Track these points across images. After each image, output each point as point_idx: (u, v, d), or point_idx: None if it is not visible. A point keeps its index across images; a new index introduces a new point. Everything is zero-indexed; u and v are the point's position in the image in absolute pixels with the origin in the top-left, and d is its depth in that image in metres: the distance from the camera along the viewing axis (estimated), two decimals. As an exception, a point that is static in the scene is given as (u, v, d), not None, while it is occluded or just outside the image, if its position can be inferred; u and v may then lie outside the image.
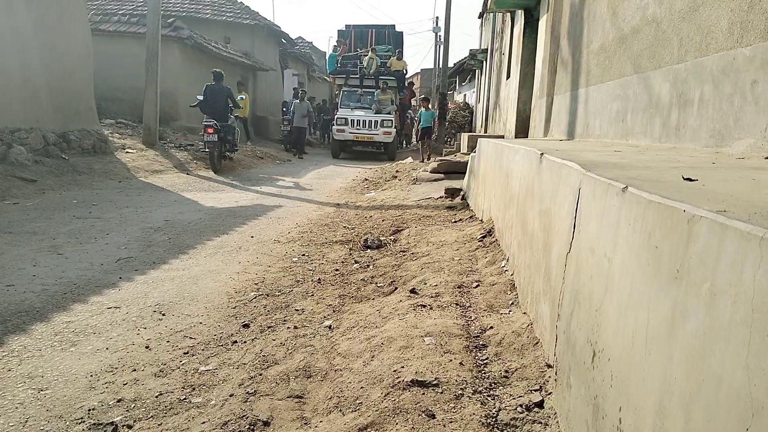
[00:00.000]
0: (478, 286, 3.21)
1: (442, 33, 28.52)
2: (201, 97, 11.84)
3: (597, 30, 5.23)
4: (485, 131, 17.18)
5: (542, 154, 2.74)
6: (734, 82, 2.78)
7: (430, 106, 17.00)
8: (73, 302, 3.77)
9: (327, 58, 22.60)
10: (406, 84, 22.24)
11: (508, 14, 12.01)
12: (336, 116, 18.57)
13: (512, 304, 2.86)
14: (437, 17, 37.01)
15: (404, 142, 25.53)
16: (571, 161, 2.18)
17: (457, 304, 2.94)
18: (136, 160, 11.39)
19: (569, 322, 1.86)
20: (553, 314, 2.09)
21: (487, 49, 18.55)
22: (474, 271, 3.59)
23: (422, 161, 14.08)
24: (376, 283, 3.84)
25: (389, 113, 18.56)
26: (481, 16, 21.02)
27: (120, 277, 4.35)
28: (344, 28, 23.72)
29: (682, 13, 3.44)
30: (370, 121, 18.03)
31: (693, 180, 1.59)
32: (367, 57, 20.66)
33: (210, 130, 11.36)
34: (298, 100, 18.01)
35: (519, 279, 2.98)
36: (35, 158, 8.98)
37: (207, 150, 11.59)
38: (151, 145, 12.67)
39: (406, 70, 21.35)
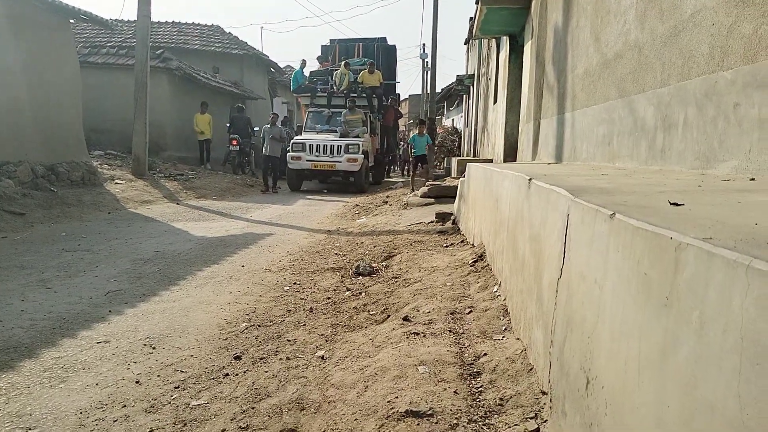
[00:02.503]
0: (471, 311, 3.20)
1: (429, 59, 28.96)
2: (229, 124, 17.15)
3: (581, 55, 5.32)
4: (474, 155, 17.32)
5: (530, 179, 2.76)
6: (717, 105, 2.82)
7: (424, 130, 14.35)
8: (62, 337, 3.72)
9: (291, 76, 18.78)
10: (385, 101, 18.56)
11: (494, 40, 12.20)
12: (292, 141, 15.23)
13: (505, 329, 2.86)
14: (424, 44, 37.55)
15: (388, 169, 22.31)
16: (560, 187, 2.19)
17: (450, 331, 2.93)
18: (126, 191, 11.36)
19: (562, 348, 1.85)
20: (546, 340, 2.09)
21: (473, 74, 18.81)
22: (466, 296, 3.58)
23: (413, 191, 12.01)
24: (369, 311, 3.82)
25: (357, 136, 15.33)
26: (467, 42, 21.31)
27: (109, 311, 4.30)
28: (328, 43, 20.63)
29: (663, 38, 3.51)
30: (332, 146, 14.75)
31: (679, 204, 1.61)
32: (338, 72, 17.23)
33: (234, 142, 16.79)
34: (268, 125, 15.02)
35: (511, 304, 2.98)
36: (24, 191, 8.93)
37: (231, 158, 17.07)
38: (140, 176, 12.65)
39: (381, 84, 17.44)
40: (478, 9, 8.65)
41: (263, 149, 14.77)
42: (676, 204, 1.62)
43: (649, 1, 3.77)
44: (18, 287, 4.87)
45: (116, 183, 11.75)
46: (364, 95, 16.74)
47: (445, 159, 21.92)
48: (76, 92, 11.68)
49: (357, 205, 11.60)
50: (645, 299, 1.22)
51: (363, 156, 14.83)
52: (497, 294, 3.41)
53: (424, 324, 3.06)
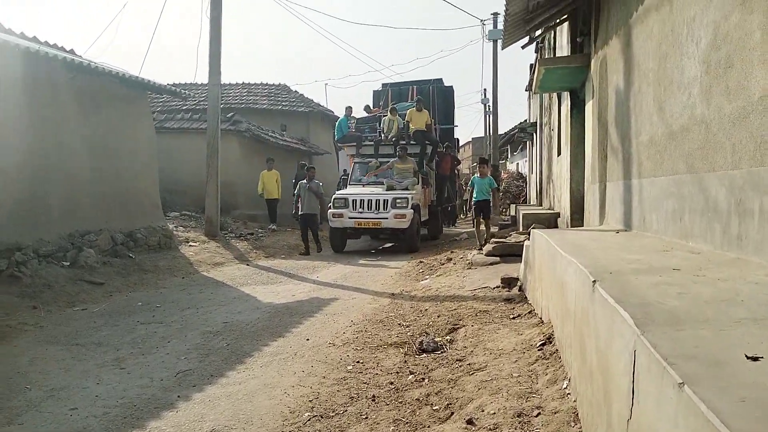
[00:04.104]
0: (539, 414, 3.06)
1: (491, 104, 29.02)
2: (294, 180, 14.97)
3: (645, 122, 5.16)
4: (540, 203, 17.02)
5: (594, 282, 2.65)
6: (796, 198, 2.65)
7: (487, 171, 11.81)
8: (132, 428, 3.82)
9: (336, 124, 16.94)
10: (440, 147, 16.65)
11: (555, 92, 12.09)
12: (333, 196, 13.84)
13: (575, 441, 2.71)
14: (485, 89, 37.68)
15: (449, 221, 20.80)
16: (625, 307, 2.09)
17: (516, 440, 2.81)
18: (199, 253, 11.79)
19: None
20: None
21: (536, 122, 18.64)
22: (534, 392, 3.44)
23: (479, 249, 10.75)
24: (432, 404, 3.73)
25: (406, 189, 13.65)
26: (528, 89, 21.24)
27: (178, 396, 4.40)
28: (380, 88, 19.01)
29: (731, 118, 3.36)
30: (377, 201, 13.29)
31: (758, 359, 1.49)
32: (386, 118, 15.52)
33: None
34: (305, 180, 13.33)
35: (582, 411, 2.83)
36: (104, 259, 9.42)
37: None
38: (213, 237, 13.13)
39: (429, 126, 15.48)
40: (536, 69, 8.62)
41: (299, 207, 13.31)
42: (755, 358, 1.50)
43: (713, 77, 3.63)
44: (94, 368, 5.07)
45: (190, 245, 12.23)
46: (415, 142, 15.07)
47: (510, 205, 21.64)
48: (153, 160, 12.38)
49: (421, 262, 11.54)
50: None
51: (413, 211, 13.26)
52: (567, 391, 3.25)
53: (489, 430, 2.95)
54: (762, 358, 1.49)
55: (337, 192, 14.20)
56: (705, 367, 1.45)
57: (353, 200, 13.46)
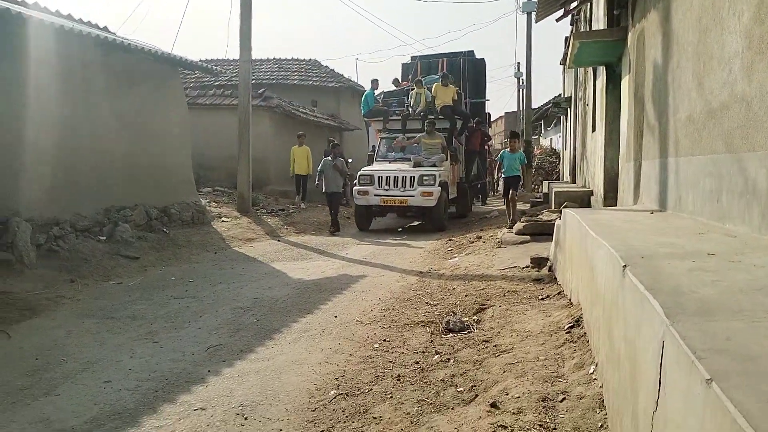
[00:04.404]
0: (564, 399, 3.03)
1: (524, 78, 28.47)
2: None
3: (683, 99, 4.98)
4: (573, 180, 16.70)
5: (625, 267, 2.58)
6: (842, 182, 2.52)
7: (518, 146, 11.43)
8: (164, 402, 3.91)
9: (362, 99, 16.10)
10: (469, 122, 16.08)
11: (590, 67, 11.75)
12: (359, 173, 13.52)
13: (601, 427, 2.67)
14: (519, 62, 36.95)
15: (481, 197, 20.44)
16: (654, 294, 2.03)
17: (540, 425, 2.78)
18: (231, 228, 11.95)
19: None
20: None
21: (570, 97, 18.22)
22: (560, 376, 3.40)
23: (509, 227, 10.48)
24: (457, 385, 3.72)
25: (434, 165, 13.29)
26: (563, 63, 20.72)
27: (208, 370, 4.48)
28: (409, 61, 18.54)
29: (775, 95, 3.20)
30: (404, 178, 12.85)
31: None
32: (413, 92, 15.02)
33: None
34: (329, 157, 13.19)
35: (608, 398, 2.78)
36: (138, 234, 9.62)
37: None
38: (245, 212, 13.29)
39: (456, 99, 14.91)
40: (571, 42, 8.37)
41: (322, 186, 13.10)
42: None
43: (756, 53, 3.46)
44: (128, 341, 5.21)
45: (222, 221, 12.41)
46: (443, 117, 14.46)
47: (543, 182, 21.31)
48: (186, 136, 12.51)
49: (450, 240, 11.49)
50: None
51: (440, 188, 12.81)
52: (593, 377, 3.21)
53: (513, 413, 2.93)
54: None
55: (362, 168, 13.83)
56: (736, 363, 1.40)
57: (379, 177, 13.02)
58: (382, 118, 15.19)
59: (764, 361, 1.43)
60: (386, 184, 12.94)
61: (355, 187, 13.30)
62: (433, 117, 14.23)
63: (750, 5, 3.59)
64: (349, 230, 13.66)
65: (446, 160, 13.85)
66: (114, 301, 6.72)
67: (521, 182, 11.29)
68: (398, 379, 4.08)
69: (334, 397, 3.89)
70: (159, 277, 8.05)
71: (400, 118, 14.91)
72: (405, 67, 18.18)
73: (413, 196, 12.72)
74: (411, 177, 12.84)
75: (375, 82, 16.10)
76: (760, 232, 3.35)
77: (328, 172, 12.89)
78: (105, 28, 11.27)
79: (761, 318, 1.78)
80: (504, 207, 11.55)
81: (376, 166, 13.83)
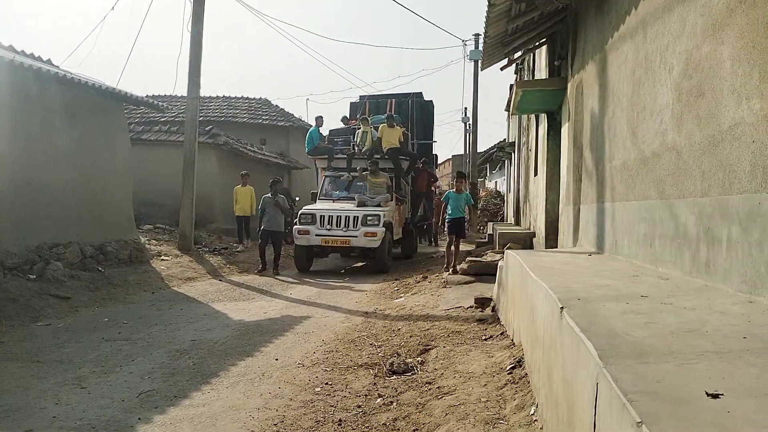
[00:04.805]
0: (504, 442, 3.01)
1: (471, 122, 29.28)
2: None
3: (618, 146, 5.20)
4: (517, 222, 17.11)
5: (562, 308, 2.61)
6: (763, 228, 2.65)
7: (464, 186, 10.92)
8: (88, 453, 3.67)
9: (306, 136, 15.66)
10: (416, 162, 15.88)
11: (533, 114, 12.20)
12: (300, 212, 13.00)
13: (540, 471, 2.65)
14: (465, 108, 38.07)
15: (422, 239, 20.01)
16: (589, 337, 2.05)
17: (480, 471, 2.74)
18: (171, 267, 11.58)
19: None
20: None
21: (514, 142, 18.81)
22: (502, 418, 3.38)
23: (448, 270, 10.26)
24: (399, 429, 3.65)
25: (378, 205, 12.90)
26: (507, 109, 21.46)
27: (139, 418, 4.25)
28: (357, 100, 18.36)
29: (701, 146, 3.38)
30: (347, 218, 12.41)
31: (717, 396, 1.45)
32: (360, 130, 14.84)
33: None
34: (269, 195, 12.52)
35: (547, 441, 2.78)
36: (71, 273, 9.19)
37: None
38: (186, 251, 12.93)
39: (402, 141, 14.61)
40: (514, 91, 8.68)
41: (261, 222, 12.55)
42: (714, 395, 1.46)
43: (684, 105, 3.66)
44: (53, 387, 4.90)
45: (162, 260, 12.02)
46: (389, 158, 14.23)
47: (488, 223, 21.72)
48: (127, 172, 12.18)
49: (396, 280, 11.47)
50: None
51: (384, 229, 12.41)
52: (534, 418, 3.20)
53: (454, 458, 2.88)
54: (722, 395, 1.46)
55: (304, 207, 13.40)
56: (665, 405, 1.41)
57: (321, 216, 12.53)
58: (326, 156, 14.93)
59: (693, 403, 1.45)
60: (328, 224, 12.48)
61: (295, 227, 12.74)
62: (378, 156, 14.04)
63: (679, 60, 3.81)
64: (291, 271, 13.13)
65: (391, 200, 13.59)
66: (41, 343, 6.34)
67: (466, 224, 10.89)
68: (339, 424, 3.97)
69: (272, 445, 3.74)
70: (91, 319, 7.67)
71: (345, 156, 14.67)
72: (353, 106, 18.03)
73: (356, 236, 12.27)
74: (354, 217, 12.45)
75: (319, 119, 15.68)
76: (691, 275, 3.48)
77: (269, 209, 12.39)
78: (48, 61, 10.99)
79: (690, 360, 1.82)
80: (446, 250, 10.91)
81: (318, 205, 13.43)
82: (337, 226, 12.45)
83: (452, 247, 10.47)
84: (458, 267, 10.05)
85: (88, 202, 10.63)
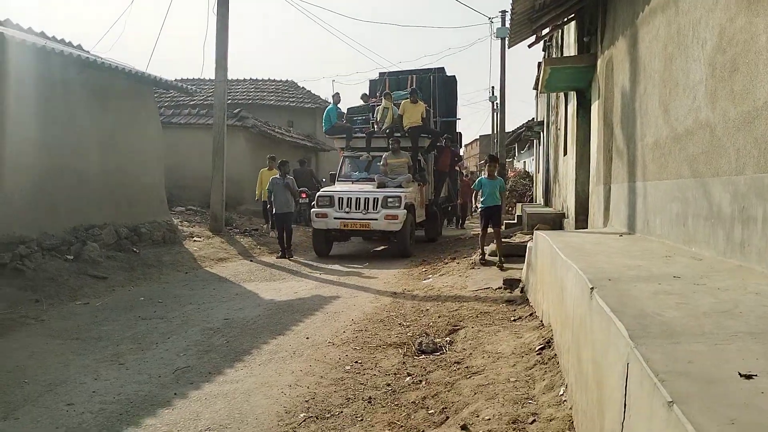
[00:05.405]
0: (534, 421, 3.03)
1: (498, 101, 28.91)
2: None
3: (650, 124, 5.10)
4: (545, 203, 16.93)
5: (592, 289, 2.61)
6: (800, 207, 2.59)
7: (495, 171, 9.80)
8: (128, 425, 3.81)
9: (324, 114, 14.69)
10: (438, 140, 14.94)
11: (561, 92, 12.00)
12: (317, 194, 12.50)
13: (569, 449, 2.67)
14: (493, 87, 37.51)
15: (447, 221, 19.11)
16: (620, 317, 2.05)
17: (509, 448, 2.77)
18: (203, 248, 11.80)
19: None
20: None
21: (543, 121, 18.53)
22: (530, 398, 3.40)
23: (481, 259, 9.49)
24: (428, 407, 3.70)
25: (399, 186, 12.23)
26: (536, 87, 21.11)
27: (175, 393, 4.38)
28: (377, 77, 17.38)
29: (736, 122, 3.30)
30: (366, 200, 11.79)
31: (751, 377, 1.45)
32: (380, 107, 13.83)
33: (303, 195, 15.55)
34: (278, 176, 12.11)
35: (577, 420, 2.79)
36: (108, 253, 9.44)
37: (301, 210, 15.35)
38: (217, 232, 13.14)
39: (425, 117, 13.65)
40: (542, 68, 8.54)
41: (270, 205, 12.23)
42: (748, 376, 1.46)
43: (718, 80, 3.57)
44: (92, 363, 5.07)
45: (194, 241, 12.24)
46: (408, 135, 13.28)
47: (516, 204, 21.52)
48: (159, 155, 12.39)
49: (424, 261, 11.50)
50: None
51: (406, 211, 11.76)
52: (563, 398, 3.21)
53: (483, 436, 2.91)
54: (756, 376, 1.45)
55: (321, 189, 12.91)
56: (697, 385, 1.41)
57: (339, 198, 11.93)
58: (345, 136, 14.13)
59: (725, 384, 1.45)
60: (347, 206, 11.85)
61: (312, 209, 12.24)
62: (399, 135, 13.24)
63: (713, 34, 3.71)
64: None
65: (413, 180, 12.94)
66: (80, 321, 6.55)
67: (500, 211, 9.74)
68: (369, 402, 4.04)
69: (304, 420, 3.83)
70: (127, 298, 7.89)
71: (364, 135, 13.92)
72: (373, 83, 17.17)
73: (376, 219, 11.64)
74: (374, 199, 11.79)
75: (336, 96, 14.80)
76: (725, 255, 3.42)
77: (278, 191, 11.90)
78: (79, 47, 11.17)
79: (723, 341, 1.80)
80: (480, 241, 9.84)
81: (337, 187, 12.85)
82: (356, 209, 11.85)
83: (486, 236, 9.60)
84: (486, 248, 9.66)
85: (122, 185, 10.85)
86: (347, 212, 11.82)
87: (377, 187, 12.22)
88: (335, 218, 11.80)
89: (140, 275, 9.32)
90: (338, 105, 14.69)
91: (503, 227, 12.89)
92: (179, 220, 13.37)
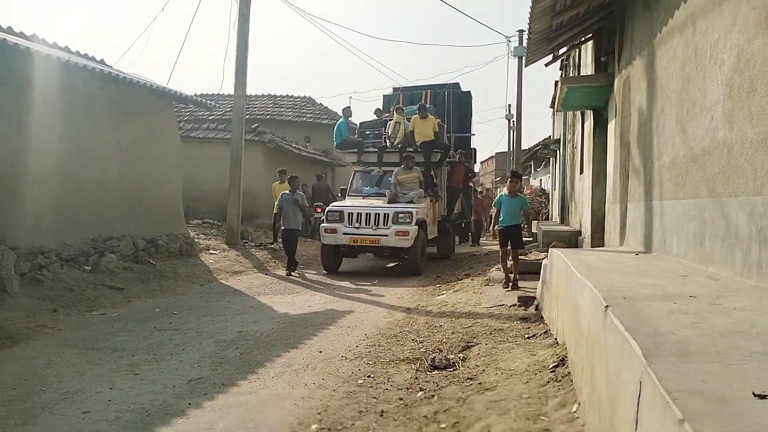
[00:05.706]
0: (545, 438, 3.02)
1: (515, 119, 28.95)
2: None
3: (667, 144, 5.10)
4: (562, 220, 16.85)
5: (607, 307, 2.61)
6: (817, 228, 2.58)
7: (517, 189, 9.06)
8: (143, 435, 3.84)
9: (335, 128, 14.54)
10: (450, 156, 14.61)
11: (578, 110, 12.00)
12: (327, 209, 12.41)
13: (582, 468, 2.65)
14: (509, 104, 37.58)
15: (460, 238, 18.87)
16: (634, 336, 2.05)
17: (521, 466, 2.76)
18: (219, 261, 11.90)
19: None
20: None
21: (559, 139, 18.51)
22: (542, 414, 3.39)
23: (506, 287, 8.79)
24: (439, 422, 3.69)
25: (411, 202, 12.04)
26: (552, 106, 21.12)
27: (189, 403, 4.42)
28: (391, 92, 17.16)
29: (754, 143, 3.30)
30: (377, 215, 11.53)
31: (766, 397, 1.45)
32: (391, 121, 13.70)
33: (318, 210, 15.75)
34: (288, 192, 11.85)
35: (589, 438, 2.78)
36: (125, 265, 9.56)
37: (317, 225, 14.09)
38: (233, 245, 13.25)
39: (437, 131, 13.39)
40: (559, 87, 8.57)
41: (279, 222, 12.10)
42: (762, 396, 1.46)
43: (736, 101, 3.57)
44: (108, 373, 5.13)
45: (210, 253, 12.36)
46: (421, 150, 13.04)
47: (532, 222, 21.41)
48: (177, 168, 12.57)
49: (438, 277, 11.48)
50: None
51: (417, 227, 11.49)
52: (576, 416, 3.20)
53: (495, 453, 2.90)
54: (770, 395, 1.45)
55: (331, 204, 12.77)
56: (709, 404, 1.41)
57: (349, 213, 11.66)
58: (356, 150, 14.02)
59: (738, 404, 1.45)
60: (356, 222, 11.58)
61: (322, 224, 12.06)
62: (411, 150, 13.01)
63: (730, 55, 3.72)
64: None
65: (425, 196, 12.65)
66: (96, 331, 6.63)
67: (521, 231, 9.01)
68: (381, 415, 4.04)
69: (316, 431, 3.84)
70: (143, 309, 7.97)
71: (375, 150, 13.74)
72: (387, 98, 16.87)
73: (387, 235, 11.35)
74: (384, 214, 11.51)
75: (347, 110, 14.72)
76: (742, 275, 3.40)
77: (288, 208, 11.65)
78: (102, 61, 11.42)
79: (738, 361, 1.80)
80: (502, 265, 9.01)
81: (347, 202, 12.63)
82: (366, 224, 11.57)
83: (507, 262, 8.83)
84: (501, 263, 9.50)
85: (140, 198, 11.01)
86: (357, 228, 11.59)
87: (388, 203, 12.04)
88: (344, 233, 11.58)
89: (156, 287, 9.42)
90: (349, 119, 14.55)
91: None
92: (196, 233, 13.52)
